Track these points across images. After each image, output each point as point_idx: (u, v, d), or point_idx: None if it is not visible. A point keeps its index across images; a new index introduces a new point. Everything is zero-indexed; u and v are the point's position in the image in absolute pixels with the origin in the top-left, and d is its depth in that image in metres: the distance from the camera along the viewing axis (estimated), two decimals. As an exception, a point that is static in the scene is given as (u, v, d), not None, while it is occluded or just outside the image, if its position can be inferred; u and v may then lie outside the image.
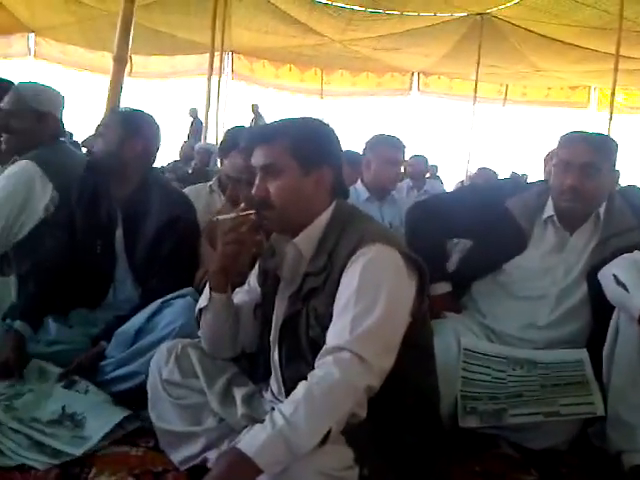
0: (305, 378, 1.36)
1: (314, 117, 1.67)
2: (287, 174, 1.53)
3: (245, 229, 1.59)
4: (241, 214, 1.59)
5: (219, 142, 3.09)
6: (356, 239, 1.47)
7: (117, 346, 2.02)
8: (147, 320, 2.02)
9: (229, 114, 8.91)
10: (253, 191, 1.58)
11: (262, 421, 1.33)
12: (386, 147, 3.12)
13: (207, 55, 9.74)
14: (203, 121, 6.71)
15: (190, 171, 5.84)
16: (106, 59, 10.17)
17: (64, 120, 2.67)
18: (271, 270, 1.68)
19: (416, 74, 11.79)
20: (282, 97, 11.74)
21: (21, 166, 2.39)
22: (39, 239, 2.34)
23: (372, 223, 1.61)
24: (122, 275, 2.25)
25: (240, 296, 1.77)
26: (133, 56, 9.92)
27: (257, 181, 1.58)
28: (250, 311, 1.75)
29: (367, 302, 1.39)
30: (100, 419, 1.85)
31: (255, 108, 12.85)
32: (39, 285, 2.20)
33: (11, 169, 2.41)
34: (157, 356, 1.75)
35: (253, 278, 1.79)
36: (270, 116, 13.14)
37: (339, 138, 1.66)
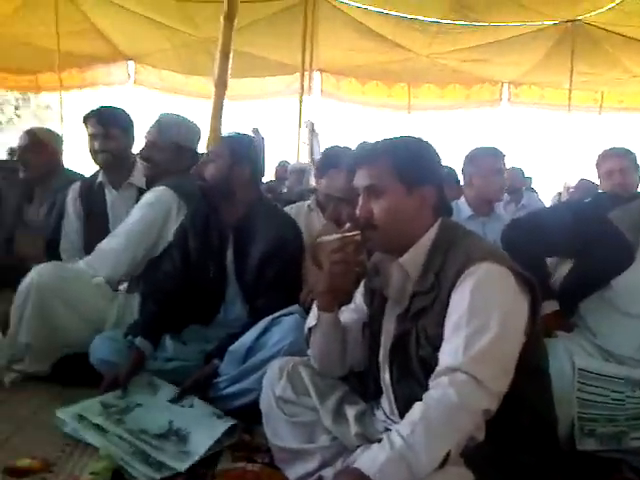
0: (417, 397, 1.36)
1: (415, 136, 1.68)
2: (391, 194, 1.55)
3: (351, 249, 1.61)
4: (346, 235, 1.61)
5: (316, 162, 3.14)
6: (464, 258, 1.46)
7: (230, 363, 2.10)
8: (257, 338, 2.09)
9: (320, 132, 9.03)
10: (357, 212, 1.61)
11: (376, 440, 1.34)
12: (487, 157, 3.05)
13: (295, 75, 9.96)
14: (295, 141, 6.83)
15: (284, 190, 5.94)
16: (201, 83, 10.58)
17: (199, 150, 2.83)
18: (377, 289, 1.69)
19: (506, 84, 11.50)
20: (369, 113, 11.78)
21: (160, 193, 2.57)
22: (162, 260, 2.49)
23: (479, 241, 1.60)
24: (232, 295, 2.35)
25: (347, 315, 1.80)
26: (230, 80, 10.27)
27: (361, 202, 1.60)
28: (358, 330, 1.77)
29: (480, 322, 1.38)
30: (203, 434, 1.92)
31: (310, 125, 13.06)
32: (158, 304, 2.32)
33: (149, 197, 2.58)
34: (269, 373, 1.80)
35: (359, 297, 1.81)
36: (357, 133, 13.23)
37: (440, 156, 1.66)
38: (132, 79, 10.09)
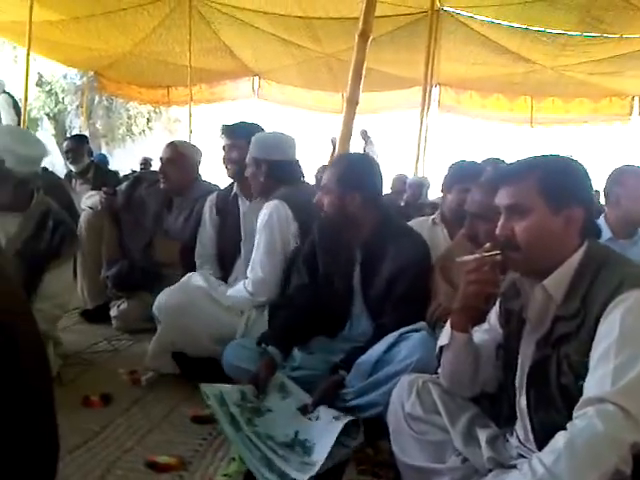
0: (555, 425, 1.31)
1: (561, 153, 1.62)
2: (534, 214, 1.49)
3: (488, 269, 1.58)
4: (485, 255, 1.58)
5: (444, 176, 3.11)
6: (615, 283, 1.39)
7: (356, 376, 2.12)
8: (385, 352, 2.09)
9: (437, 146, 8.99)
10: (497, 231, 1.56)
11: (508, 466, 1.29)
12: (638, 177, 2.88)
13: (414, 89, 9.94)
14: (416, 154, 6.82)
15: (402, 204, 5.94)
16: (321, 97, 10.81)
17: (298, 161, 2.91)
18: (515, 311, 1.64)
19: (637, 98, 10.89)
20: (490, 127, 11.55)
21: (273, 207, 2.66)
22: (285, 273, 2.57)
23: (632, 266, 1.51)
24: (358, 311, 2.38)
25: (480, 335, 1.76)
26: (345, 94, 10.43)
27: (502, 220, 1.55)
28: (491, 351, 1.73)
29: (631, 352, 1.30)
30: (326, 440, 1.94)
31: (364, 134, 13.06)
32: (289, 316, 2.40)
33: (265, 216, 2.68)
34: (398, 389, 1.79)
35: (494, 317, 1.77)
36: (477, 147, 12.97)
37: (590, 174, 1.59)
38: (256, 93, 10.49)
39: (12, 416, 1.12)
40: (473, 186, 2.20)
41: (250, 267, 2.73)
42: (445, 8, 7.77)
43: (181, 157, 3.43)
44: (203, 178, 3.67)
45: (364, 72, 3.22)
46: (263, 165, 2.81)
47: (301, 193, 2.75)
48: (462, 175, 2.85)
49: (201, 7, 7.99)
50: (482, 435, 1.62)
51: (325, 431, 2.00)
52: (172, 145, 3.48)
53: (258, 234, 2.71)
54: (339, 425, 1.96)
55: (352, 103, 3.19)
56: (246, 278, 2.72)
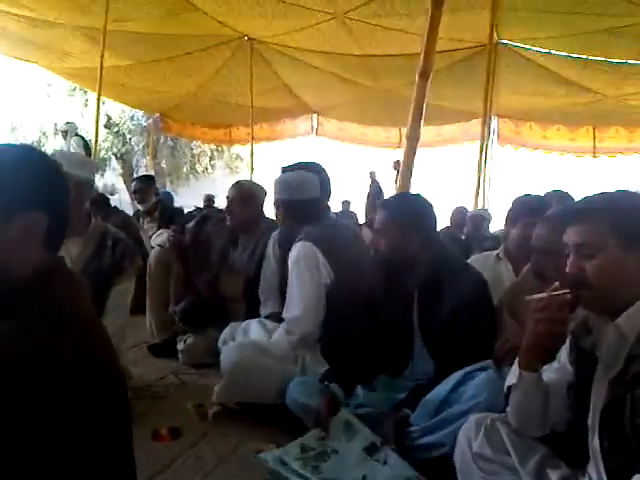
0: (631, 468, 1.27)
1: (628, 187, 1.60)
2: (606, 253, 1.45)
3: (557, 308, 1.55)
4: (554, 294, 1.55)
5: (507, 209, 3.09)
6: (691, 322, 1.36)
7: (422, 414, 2.10)
8: (451, 391, 2.07)
9: (497, 178, 8.90)
10: (567, 269, 1.53)
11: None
12: None
13: (472, 122, 9.91)
14: (475, 187, 6.77)
15: (463, 237, 5.89)
16: (378, 133, 10.91)
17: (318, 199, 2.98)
18: (587, 350, 1.61)
19: None
20: (550, 158, 11.36)
21: (300, 248, 2.73)
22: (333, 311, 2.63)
23: None
24: (419, 349, 2.37)
25: (550, 374, 1.72)
26: (403, 128, 10.49)
27: (571, 259, 1.51)
28: (561, 390, 1.69)
29: None
30: None
31: (372, 175, 13.20)
32: (350, 356, 2.42)
33: (293, 257, 2.76)
34: (466, 428, 1.77)
35: (564, 355, 1.73)
36: (537, 179, 12.77)
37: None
38: (315, 130, 10.67)
39: (99, 447, 1.17)
40: (539, 221, 2.18)
41: (285, 307, 2.80)
42: (503, 41, 7.77)
43: (246, 196, 3.53)
44: (266, 215, 3.76)
45: (424, 109, 3.27)
46: (281, 206, 2.97)
47: (326, 230, 2.83)
48: (527, 209, 2.82)
49: (262, 49, 8.24)
50: (553, 476, 1.58)
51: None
52: (238, 185, 3.60)
53: (292, 274, 2.77)
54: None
55: (412, 140, 3.23)
56: None
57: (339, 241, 2.85)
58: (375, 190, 12.61)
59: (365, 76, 8.74)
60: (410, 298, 2.38)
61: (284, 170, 3.16)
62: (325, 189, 3.27)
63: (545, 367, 1.74)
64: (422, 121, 3.25)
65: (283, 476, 2.05)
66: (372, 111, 10.10)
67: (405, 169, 3.20)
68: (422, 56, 3.36)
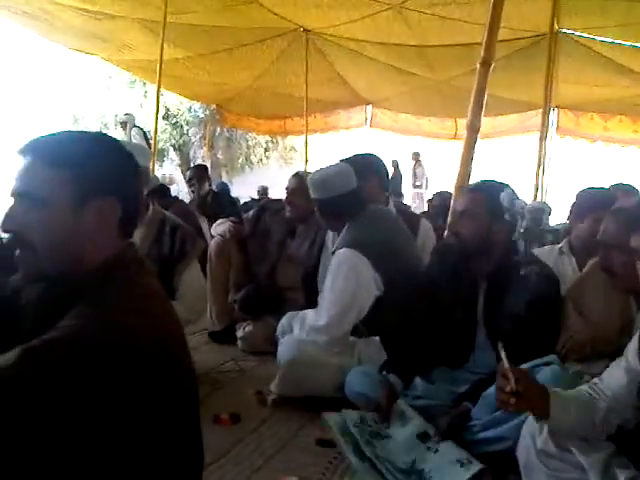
0: None
1: None
2: None
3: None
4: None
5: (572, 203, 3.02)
6: None
7: (484, 408, 2.08)
8: (514, 385, 2.04)
9: (556, 170, 8.70)
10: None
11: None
12: None
13: (529, 113, 9.69)
14: (534, 180, 6.62)
15: (522, 230, 5.77)
16: (432, 124, 10.78)
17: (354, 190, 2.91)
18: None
19: None
20: (611, 150, 11.02)
21: (343, 258, 2.70)
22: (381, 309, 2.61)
23: None
24: (482, 342, 2.33)
25: (618, 372, 1.69)
26: (458, 119, 10.35)
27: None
28: (629, 389, 1.65)
29: None
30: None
31: (395, 164, 13.04)
32: (409, 346, 2.41)
33: (335, 265, 2.73)
34: (530, 423, 1.75)
35: (632, 354, 1.70)
36: (598, 171, 12.42)
37: None
38: (369, 122, 10.63)
39: (172, 432, 1.20)
40: (606, 215, 2.13)
41: (316, 310, 2.80)
42: (564, 30, 7.56)
43: (306, 187, 3.56)
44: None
45: (485, 99, 3.22)
46: (316, 204, 2.95)
47: (366, 229, 2.77)
48: (594, 204, 2.76)
49: (317, 40, 8.24)
50: (621, 476, 1.55)
51: (446, 470, 1.98)
52: (298, 176, 3.63)
53: (328, 281, 2.75)
54: (465, 474, 1.93)
55: (473, 130, 3.18)
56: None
57: (385, 238, 2.79)
58: (397, 179, 12.91)
59: (420, 66, 8.64)
60: (476, 288, 2.35)
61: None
62: (383, 180, 3.25)
63: (614, 363, 1.71)
64: (483, 111, 3.20)
65: (343, 444, 2.08)
66: (427, 102, 9.98)
67: (464, 161, 3.16)
68: (484, 45, 3.30)
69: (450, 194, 5.48)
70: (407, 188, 13.78)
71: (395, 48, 8.00)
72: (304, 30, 7.97)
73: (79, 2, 6.64)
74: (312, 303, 3.23)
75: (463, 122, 10.36)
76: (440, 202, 6.00)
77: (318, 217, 3.02)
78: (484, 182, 2.45)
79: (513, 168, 11.50)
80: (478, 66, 3.22)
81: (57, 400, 0.97)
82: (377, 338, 2.67)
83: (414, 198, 13.62)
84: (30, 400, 0.96)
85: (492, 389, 2.09)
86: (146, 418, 1.10)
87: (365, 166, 3.18)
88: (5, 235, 1.25)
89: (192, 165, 16.65)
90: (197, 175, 5.97)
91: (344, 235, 2.81)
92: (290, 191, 3.54)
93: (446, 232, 2.45)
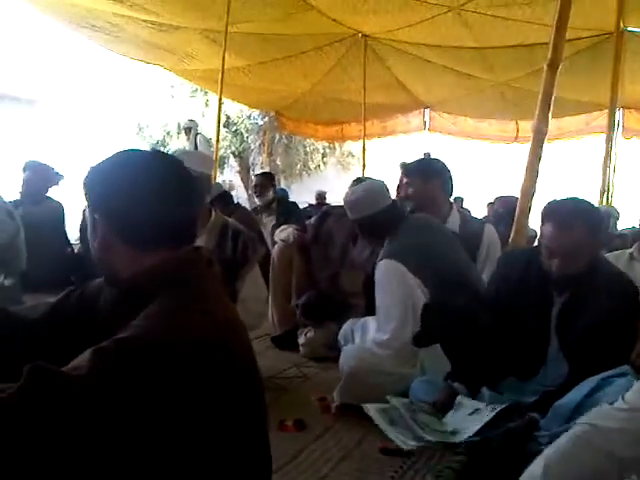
0: None
1: None
2: None
3: None
4: None
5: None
6: None
7: (554, 419, 2.03)
8: (587, 396, 1.98)
9: (623, 173, 8.42)
10: None
11: None
12: None
13: (593, 114, 9.42)
14: (600, 183, 6.41)
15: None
16: (492, 127, 10.60)
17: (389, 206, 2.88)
18: None
19: None
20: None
21: (384, 270, 2.69)
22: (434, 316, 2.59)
23: None
24: (554, 353, 2.28)
25: None
26: (520, 122, 10.14)
27: None
28: None
29: None
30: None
31: (427, 157, 12.55)
32: (476, 356, 2.37)
33: (377, 279, 2.72)
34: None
35: None
36: None
37: None
38: (427, 126, 10.53)
39: (240, 435, 1.21)
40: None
41: (377, 328, 2.78)
42: (630, 29, 7.32)
43: None
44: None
45: (552, 101, 3.14)
46: (355, 225, 2.96)
47: (404, 239, 2.75)
48: None
49: (375, 45, 8.22)
50: None
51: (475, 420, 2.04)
52: (358, 181, 3.64)
53: (378, 296, 2.74)
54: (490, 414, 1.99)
55: (540, 133, 3.10)
56: None
57: (422, 244, 2.76)
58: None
59: (480, 69, 8.51)
60: (549, 298, 2.29)
61: (355, 182, 3.17)
62: (446, 184, 3.21)
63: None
64: (550, 113, 3.12)
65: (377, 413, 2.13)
66: (487, 104, 9.82)
67: (531, 164, 3.08)
68: (551, 46, 3.22)
69: (515, 199, 5.38)
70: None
71: (454, 51, 7.91)
72: (362, 35, 7.97)
73: (144, 14, 6.83)
74: (374, 309, 3.23)
75: (524, 124, 10.21)
76: (503, 207, 5.89)
77: (360, 237, 3.03)
78: (571, 198, 2.31)
79: (578, 171, 11.20)
80: (545, 67, 3.15)
81: (126, 400, 0.99)
82: (439, 346, 2.63)
83: None
84: (100, 400, 0.97)
85: (564, 400, 2.05)
86: (214, 419, 1.11)
87: (429, 170, 3.15)
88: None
89: (251, 172, 16.98)
90: (262, 182, 6.19)
91: (384, 248, 2.80)
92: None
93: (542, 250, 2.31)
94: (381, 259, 2.73)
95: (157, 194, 1.24)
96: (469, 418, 2.11)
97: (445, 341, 2.61)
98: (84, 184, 1.26)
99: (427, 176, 3.15)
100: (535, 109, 3.23)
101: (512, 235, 3.09)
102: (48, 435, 0.94)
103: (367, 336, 2.95)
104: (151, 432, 1.02)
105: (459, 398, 2.25)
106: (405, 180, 3.29)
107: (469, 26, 7.10)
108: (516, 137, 10.36)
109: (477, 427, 1.99)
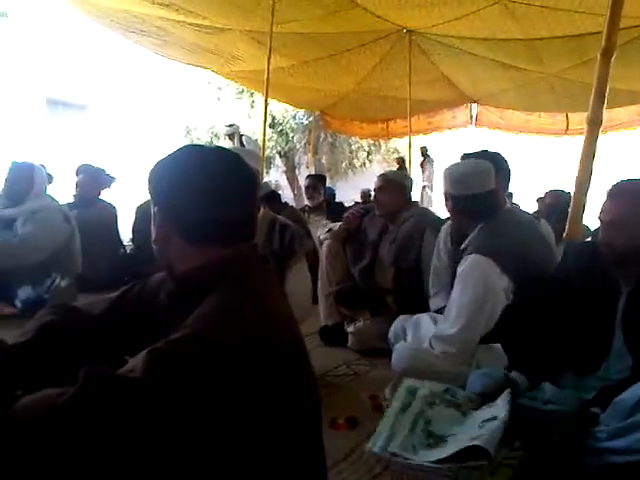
0: None
1: None
2: None
3: None
4: None
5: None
6: None
7: (613, 415, 1.96)
8: (647, 393, 1.92)
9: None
10: None
11: None
12: None
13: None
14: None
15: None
16: (542, 120, 10.38)
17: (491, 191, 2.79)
18: None
19: None
20: None
21: (475, 264, 2.60)
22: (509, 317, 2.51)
23: None
24: (617, 349, 2.20)
25: None
26: (570, 114, 9.90)
27: None
28: None
29: None
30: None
31: (424, 150, 12.22)
32: (532, 353, 2.32)
33: (465, 273, 2.63)
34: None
35: None
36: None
37: None
38: (474, 120, 10.38)
39: (294, 435, 1.21)
40: None
41: (445, 319, 2.71)
42: (688, 15, 7.05)
43: (392, 185, 3.66)
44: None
45: (607, 91, 3.04)
46: (450, 201, 2.82)
47: (497, 234, 2.66)
48: None
49: (420, 40, 8.14)
50: None
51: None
52: (383, 175, 3.84)
53: (457, 288, 2.66)
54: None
55: (595, 124, 3.01)
56: None
57: (517, 244, 2.66)
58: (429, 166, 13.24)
59: (529, 61, 8.34)
60: (616, 291, 2.22)
61: (463, 158, 3.08)
62: (506, 179, 3.13)
63: None
64: (605, 104, 3.03)
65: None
66: (536, 97, 9.62)
67: (585, 157, 2.99)
68: (605, 34, 3.13)
69: (567, 193, 5.25)
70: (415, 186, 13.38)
71: (501, 43, 7.77)
72: (407, 31, 7.90)
73: (190, 18, 6.93)
74: (402, 304, 3.22)
75: (575, 117, 9.94)
76: (554, 201, 5.77)
77: (450, 213, 2.90)
78: (628, 185, 2.25)
79: (632, 162, 10.88)
80: (598, 56, 3.06)
81: (181, 402, 1.00)
82: (498, 345, 2.58)
83: (421, 199, 12.87)
84: (156, 402, 0.99)
85: (626, 395, 1.98)
86: (268, 417, 1.12)
87: (495, 163, 3.07)
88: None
89: (297, 171, 17.08)
90: (314, 184, 6.44)
91: (476, 239, 2.72)
92: (377, 189, 3.62)
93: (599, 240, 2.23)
94: (473, 252, 2.65)
95: (216, 191, 1.25)
96: (473, 429, 1.98)
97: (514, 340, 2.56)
98: (148, 178, 1.29)
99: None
100: (586, 100, 3.15)
101: (567, 229, 3.00)
102: (106, 438, 0.96)
103: (420, 332, 2.93)
104: (206, 432, 1.03)
105: (502, 397, 2.14)
106: None
107: (516, 18, 6.96)
108: (566, 130, 10.12)
109: (451, 451, 1.82)
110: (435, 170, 13.35)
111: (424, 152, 13.62)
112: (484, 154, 3.02)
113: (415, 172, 11.10)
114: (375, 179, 3.82)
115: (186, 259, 1.26)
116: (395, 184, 3.70)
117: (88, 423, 0.96)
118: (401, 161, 13.90)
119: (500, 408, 2.04)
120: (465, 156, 3.05)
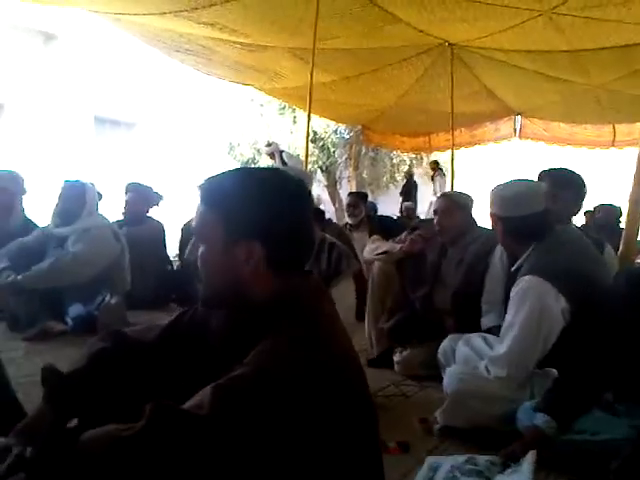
0: None
1: None
2: None
3: None
4: None
5: None
6: None
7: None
8: None
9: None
10: None
11: None
12: None
13: None
14: None
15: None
16: (587, 132, 10.19)
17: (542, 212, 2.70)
18: None
19: None
20: None
21: (527, 284, 2.54)
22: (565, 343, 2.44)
23: None
24: None
25: None
26: (617, 125, 9.69)
27: None
28: None
29: None
30: None
31: (436, 165, 13.37)
32: (586, 380, 2.26)
33: (520, 295, 2.56)
34: None
35: None
36: None
37: None
38: (518, 133, 10.26)
39: (357, 469, 1.21)
40: None
41: (500, 342, 2.64)
42: None
43: (453, 208, 3.52)
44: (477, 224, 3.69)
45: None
46: (498, 223, 2.75)
47: (552, 253, 2.59)
48: None
49: (462, 54, 8.08)
50: None
51: None
52: (445, 196, 3.64)
53: (511, 310, 2.59)
54: None
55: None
56: None
57: (573, 264, 2.59)
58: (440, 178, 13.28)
59: (574, 72, 8.21)
60: None
61: (540, 176, 2.99)
62: (581, 198, 3.04)
63: None
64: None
65: None
66: (581, 109, 9.46)
67: (640, 170, 2.91)
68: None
69: (617, 208, 5.12)
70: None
71: (545, 55, 7.67)
72: (449, 44, 7.86)
73: (234, 36, 7.03)
74: (463, 327, 3.14)
75: (622, 128, 9.72)
76: (604, 216, 5.64)
77: (499, 236, 2.84)
78: None
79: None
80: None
81: (247, 439, 1.01)
82: (555, 371, 2.51)
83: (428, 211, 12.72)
84: (223, 440, 1.00)
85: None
86: (332, 451, 1.12)
87: (565, 181, 3.00)
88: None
89: (338, 186, 17.11)
90: (355, 202, 6.54)
91: (529, 260, 2.66)
92: (439, 213, 3.50)
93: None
94: (526, 273, 2.59)
95: (300, 216, 1.28)
96: None
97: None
98: (225, 214, 1.25)
99: (564, 187, 2.98)
100: (633, 112, 3.06)
101: (621, 248, 2.92)
102: (169, 473, 0.97)
103: (469, 352, 2.87)
104: (270, 469, 1.03)
105: (527, 458, 2.02)
106: (553, 192, 3.07)
107: (561, 29, 6.86)
108: (613, 141, 9.91)
109: None
110: (446, 182, 13.42)
111: (435, 166, 13.74)
112: (558, 171, 2.95)
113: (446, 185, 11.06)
114: (434, 200, 3.72)
115: (262, 285, 1.26)
116: (458, 206, 3.54)
117: (153, 457, 0.97)
118: (435, 164, 13.90)
119: (524, 474, 1.97)
120: (543, 173, 2.97)
